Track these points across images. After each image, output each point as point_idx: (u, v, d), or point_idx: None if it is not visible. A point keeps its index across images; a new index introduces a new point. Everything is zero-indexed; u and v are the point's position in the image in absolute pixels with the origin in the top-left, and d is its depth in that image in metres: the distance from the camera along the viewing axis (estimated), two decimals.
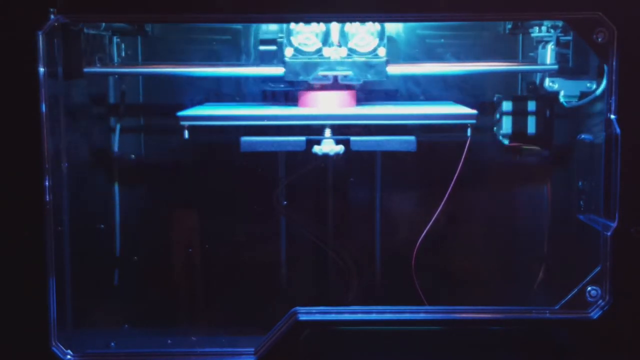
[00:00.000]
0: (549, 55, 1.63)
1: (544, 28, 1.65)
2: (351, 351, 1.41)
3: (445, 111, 1.61)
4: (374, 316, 1.41)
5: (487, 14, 1.37)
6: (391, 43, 1.74)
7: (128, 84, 1.84)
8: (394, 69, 1.66)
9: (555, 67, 1.60)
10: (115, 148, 1.84)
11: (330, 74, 1.58)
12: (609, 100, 1.35)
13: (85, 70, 1.56)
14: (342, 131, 1.57)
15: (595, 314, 1.38)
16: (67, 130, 1.42)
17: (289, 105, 1.71)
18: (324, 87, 1.61)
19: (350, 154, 1.56)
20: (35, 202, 1.33)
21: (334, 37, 1.58)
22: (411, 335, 1.40)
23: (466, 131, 1.55)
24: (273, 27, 1.70)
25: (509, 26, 1.81)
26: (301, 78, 1.58)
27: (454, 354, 1.42)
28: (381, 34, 1.57)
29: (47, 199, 1.33)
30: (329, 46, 1.58)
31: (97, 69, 1.64)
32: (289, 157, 1.74)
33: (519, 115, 1.73)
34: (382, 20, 1.60)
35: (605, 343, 1.39)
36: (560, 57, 1.61)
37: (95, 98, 1.78)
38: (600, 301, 1.39)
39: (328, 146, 1.54)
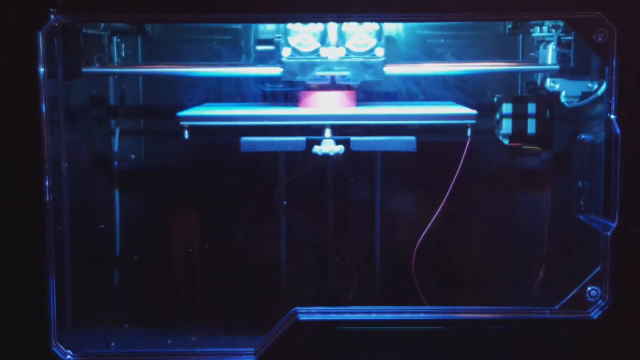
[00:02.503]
0: (550, 55, 1.62)
1: (545, 28, 1.65)
2: (351, 351, 1.41)
3: (445, 111, 1.61)
4: (374, 316, 1.41)
5: (487, 14, 1.37)
6: (391, 43, 1.74)
7: (128, 84, 1.84)
8: (394, 69, 1.66)
9: (557, 67, 1.60)
10: (115, 148, 1.84)
11: (328, 74, 1.58)
12: (608, 100, 1.35)
13: (84, 70, 1.56)
14: (342, 131, 1.57)
15: (595, 314, 1.38)
16: (67, 130, 1.42)
17: (289, 105, 1.71)
18: (322, 87, 1.61)
19: (350, 154, 1.56)
20: (35, 202, 1.33)
21: (332, 37, 1.58)
22: (411, 335, 1.40)
23: (466, 131, 1.55)
24: (271, 27, 1.70)
25: (509, 26, 1.81)
26: (298, 78, 1.57)
27: (454, 354, 1.42)
28: (379, 34, 1.57)
29: (47, 199, 1.33)
30: (327, 46, 1.57)
31: (96, 69, 1.64)
32: (289, 157, 1.74)
33: (518, 115, 1.73)
34: (382, 20, 1.60)
35: (605, 343, 1.39)
36: (561, 57, 1.60)
37: (95, 98, 1.78)
38: (600, 301, 1.39)
39: (328, 146, 1.54)
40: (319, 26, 1.56)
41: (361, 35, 1.56)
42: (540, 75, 1.67)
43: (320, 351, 1.40)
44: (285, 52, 1.56)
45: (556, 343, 1.41)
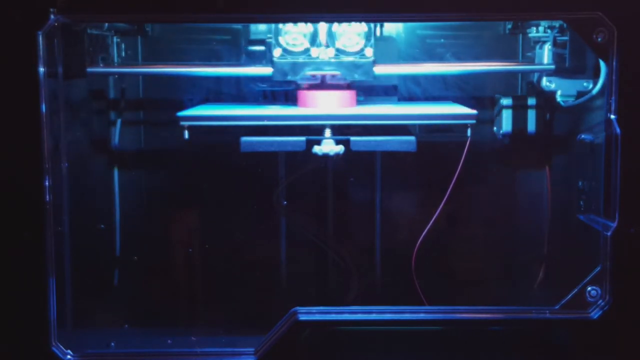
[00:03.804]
0: (546, 55, 1.64)
1: (541, 28, 1.67)
2: (351, 351, 1.41)
3: (445, 111, 1.61)
4: (374, 316, 1.41)
5: (487, 14, 1.37)
6: (391, 43, 1.74)
7: (128, 84, 1.84)
8: (394, 69, 1.66)
9: (552, 67, 1.61)
10: (115, 142, 1.84)
11: (318, 73, 1.59)
12: (608, 100, 1.35)
13: (89, 70, 1.56)
14: (342, 131, 1.57)
15: (595, 314, 1.38)
16: (67, 129, 1.42)
17: (289, 105, 1.71)
18: (322, 87, 1.61)
19: (350, 154, 1.56)
20: (35, 202, 1.33)
21: (322, 37, 1.59)
22: (411, 335, 1.40)
23: (466, 131, 1.55)
24: (262, 27, 1.70)
25: (509, 26, 1.82)
26: (289, 78, 1.59)
27: (454, 354, 1.42)
28: (368, 35, 1.58)
29: (47, 199, 1.33)
30: (317, 46, 1.59)
31: (100, 69, 1.65)
32: (289, 157, 1.74)
33: (518, 114, 1.73)
34: (382, 20, 1.60)
35: (605, 343, 1.39)
36: (557, 57, 1.62)
37: (95, 97, 1.78)
38: (600, 301, 1.39)
39: (328, 146, 1.54)
40: (309, 27, 1.58)
41: (351, 36, 1.58)
42: (536, 75, 1.67)
43: (320, 351, 1.40)
44: (276, 53, 1.58)
45: (556, 343, 1.41)
